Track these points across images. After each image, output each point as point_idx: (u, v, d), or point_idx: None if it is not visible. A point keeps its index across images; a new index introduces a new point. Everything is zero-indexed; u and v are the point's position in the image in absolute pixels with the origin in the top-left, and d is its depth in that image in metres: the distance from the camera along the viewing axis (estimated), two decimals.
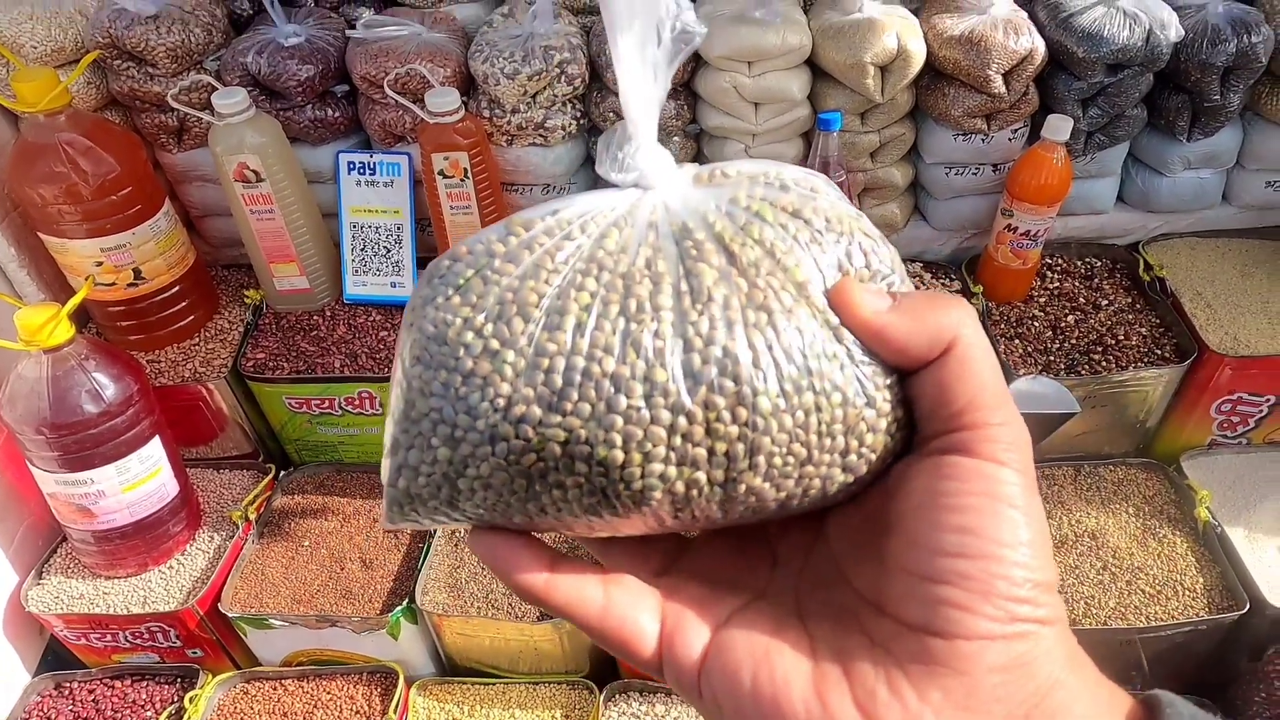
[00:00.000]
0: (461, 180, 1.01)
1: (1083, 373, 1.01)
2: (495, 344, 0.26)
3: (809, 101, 1.04)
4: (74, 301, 0.90)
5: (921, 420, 0.27)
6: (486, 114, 1.03)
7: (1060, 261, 1.16)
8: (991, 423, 0.26)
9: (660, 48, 0.28)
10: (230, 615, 0.98)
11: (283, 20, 1.04)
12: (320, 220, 1.11)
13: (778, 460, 0.26)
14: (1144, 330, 1.06)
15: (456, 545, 1.05)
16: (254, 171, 1.00)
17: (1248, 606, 0.91)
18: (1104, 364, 1.02)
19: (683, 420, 0.25)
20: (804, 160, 1.08)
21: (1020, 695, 0.24)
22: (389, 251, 1.11)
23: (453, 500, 0.28)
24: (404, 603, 0.97)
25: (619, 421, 0.25)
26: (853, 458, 0.27)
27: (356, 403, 1.07)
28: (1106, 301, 1.10)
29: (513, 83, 0.99)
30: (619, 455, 0.25)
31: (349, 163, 1.08)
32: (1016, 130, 1.05)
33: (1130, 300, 1.10)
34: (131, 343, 1.09)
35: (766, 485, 0.27)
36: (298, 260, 1.08)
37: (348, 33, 1.04)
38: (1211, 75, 0.98)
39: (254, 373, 1.06)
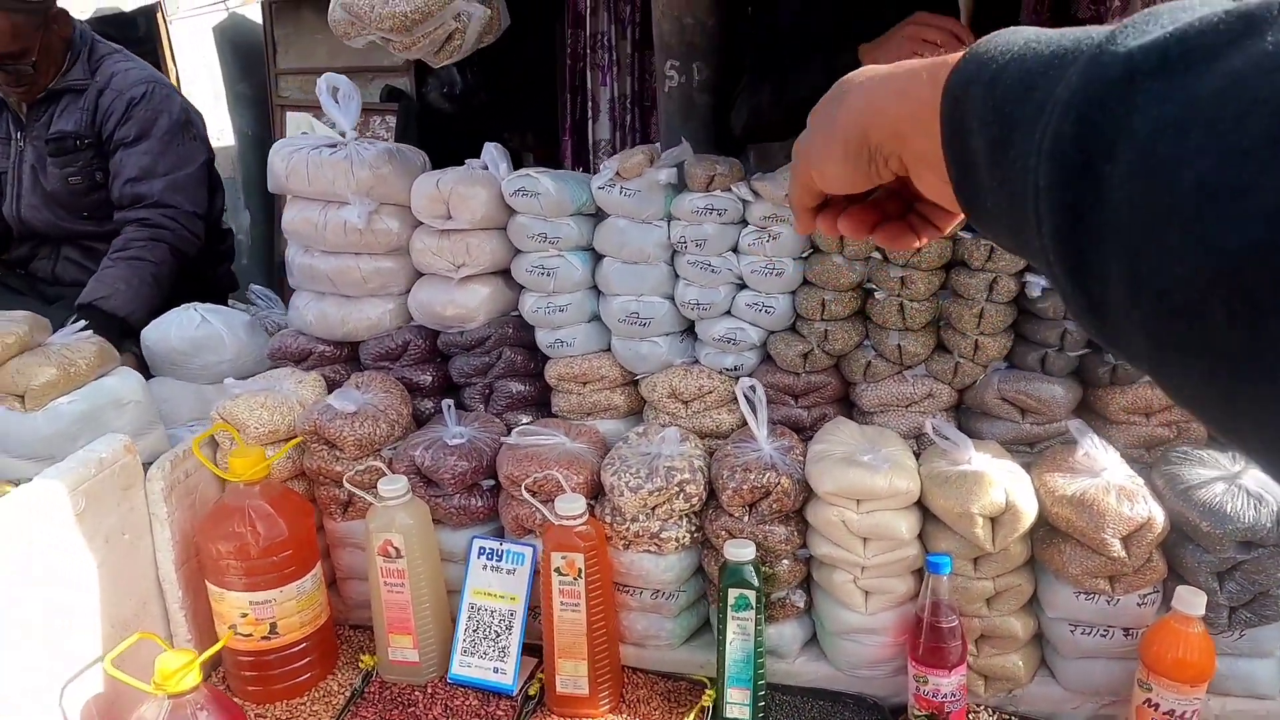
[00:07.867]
0: (575, 579, 1.07)
1: None
2: None
3: (919, 541, 1.06)
4: (210, 652, 0.98)
5: None
6: (608, 519, 1.12)
7: None
8: None
9: None
10: None
11: (454, 422, 1.23)
12: (444, 598, 1.18)
13: None
14: None
15: None
16: (396, 548, 1.11)
17: None
18: None
19: None
20: (913, 600, 1.06)
21: None
22: (498, 636, 1.15)
23: None
24: None
25: None
26: None
27: None
28: None
29: (635, 496, 1.08)
30: None
31: (480, 548, 1.18)
32: (1145, 595, 1.00)
33: None
34: (248, 693, 1.15)
35: None
36: (414, 633, 1.14)
37: (503, 438, 1.21)
38: None
39: None
